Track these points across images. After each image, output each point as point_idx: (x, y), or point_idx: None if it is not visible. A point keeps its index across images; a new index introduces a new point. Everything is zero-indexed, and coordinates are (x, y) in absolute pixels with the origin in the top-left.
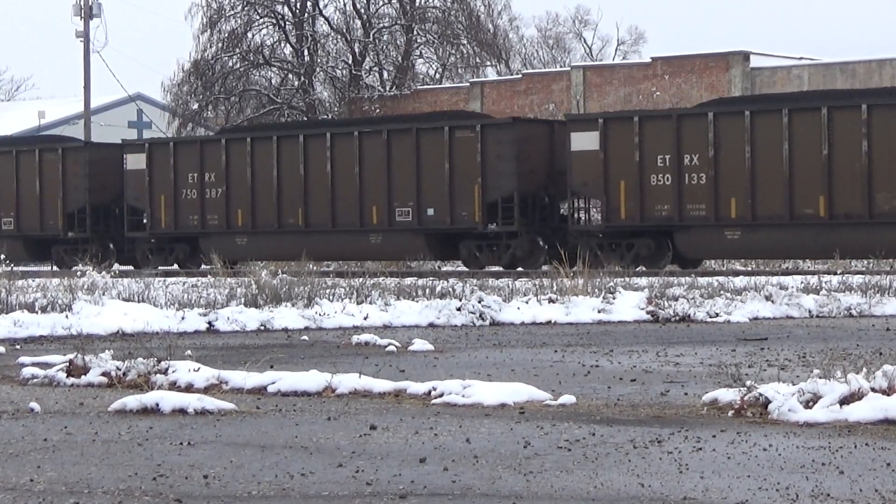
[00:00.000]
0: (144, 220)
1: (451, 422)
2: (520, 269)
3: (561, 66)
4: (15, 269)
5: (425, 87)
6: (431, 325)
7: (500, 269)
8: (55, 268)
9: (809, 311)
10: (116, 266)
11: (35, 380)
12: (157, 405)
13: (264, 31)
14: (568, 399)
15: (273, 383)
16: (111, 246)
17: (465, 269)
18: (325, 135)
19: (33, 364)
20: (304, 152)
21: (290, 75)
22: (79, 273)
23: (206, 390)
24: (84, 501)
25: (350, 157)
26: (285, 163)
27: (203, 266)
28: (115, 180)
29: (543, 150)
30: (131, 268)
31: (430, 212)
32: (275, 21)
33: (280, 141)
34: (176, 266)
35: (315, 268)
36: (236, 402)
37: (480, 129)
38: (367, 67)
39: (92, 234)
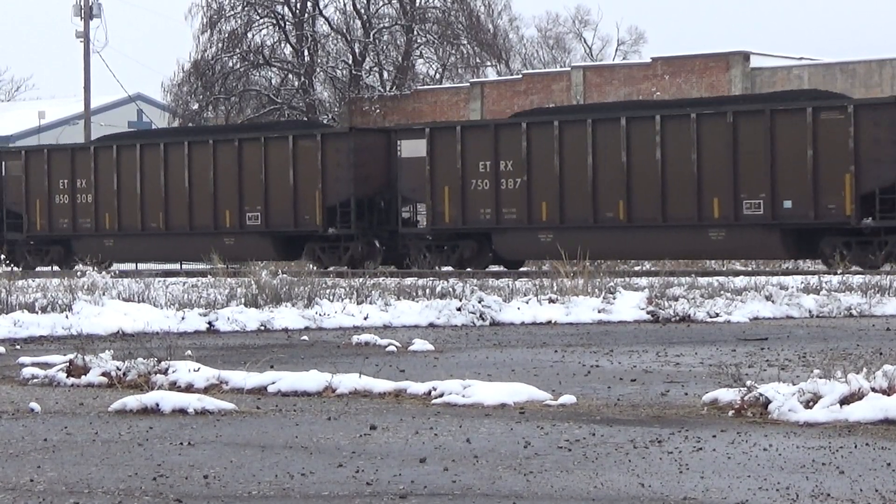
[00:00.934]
0: (406, 215)
1: (452, 422)
2: (523, 269)
3: (561, 67)
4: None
5: (425, 87)
6: (431, 325)
7: (846, 270)
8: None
9: (810, 311)
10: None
11: (35, 380)
12: (158, 405)
13: (264, 32)
14: (568, 399)
15: (273, 383)
16: (377, 243)
17: (464, 269)
18: (654, 118)
19: (33, 364)
20: (627, 137)
21: (290, 75)
22: (79, 273)
23: (207, 390)
24: (84, 501)
25: (685, 142)
26: (601, 149)
27: (491, 266)
28: (381, 170)
29: None
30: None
31: (788, 204)
32: (275, 21)
33: (595, 124)
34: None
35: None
36: (236, 402)
37: (853, 111)
38: (367, 67)
39: (356, 229)
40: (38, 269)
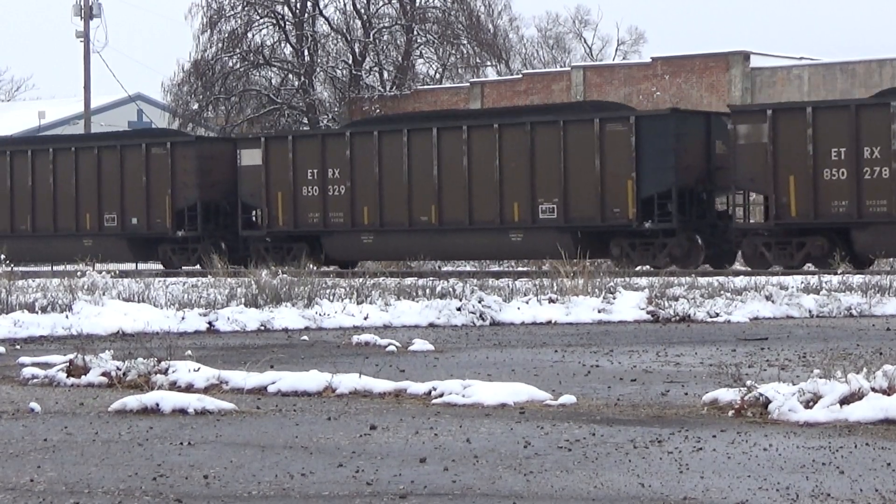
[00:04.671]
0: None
1: (452, 422)
2: (523, 269)
3: (561, 66)
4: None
5: (425, 87)
6: (431, 325)
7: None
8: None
9: (810, 311)
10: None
11: (35, 380)
12: (158, 405)
13: (264, 32)
14: (568, 399)
15: (273, 383)
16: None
17: (466, 269)
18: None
19: (33, 364)
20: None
21: (291, 75)
22: (79, 273)
23: (207, 390)
24: (84, 501)
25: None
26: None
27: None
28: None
29: None
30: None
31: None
32: (275, 21)
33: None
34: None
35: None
36: (236, 402)
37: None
38: (368, 67)
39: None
40: None
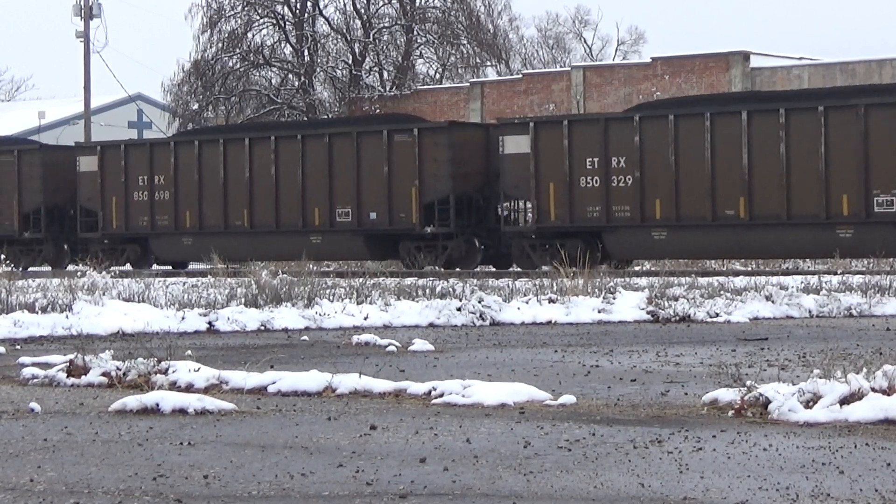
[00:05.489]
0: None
1: (452, 422)
2: (523, 269)
3: (561, 67)
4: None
5: (425, 87)
6: (431, 325)
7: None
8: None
9: (810, 311)
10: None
11: (35, 380)
12: (158, 405)
13: (264, 32)
14: (568, 399)
15: (273, 383)
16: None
17: (465, 269)
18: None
19: (33, 364)
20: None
21: (290, 75)
22: (79, 273)
23: (207, 390)
24: (84, 501)
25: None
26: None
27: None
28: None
29: None
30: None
31: None
32: (275, 21)
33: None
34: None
35: (315, 268)
36: (236, 402)
37: None
38: (367, 67)
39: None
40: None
